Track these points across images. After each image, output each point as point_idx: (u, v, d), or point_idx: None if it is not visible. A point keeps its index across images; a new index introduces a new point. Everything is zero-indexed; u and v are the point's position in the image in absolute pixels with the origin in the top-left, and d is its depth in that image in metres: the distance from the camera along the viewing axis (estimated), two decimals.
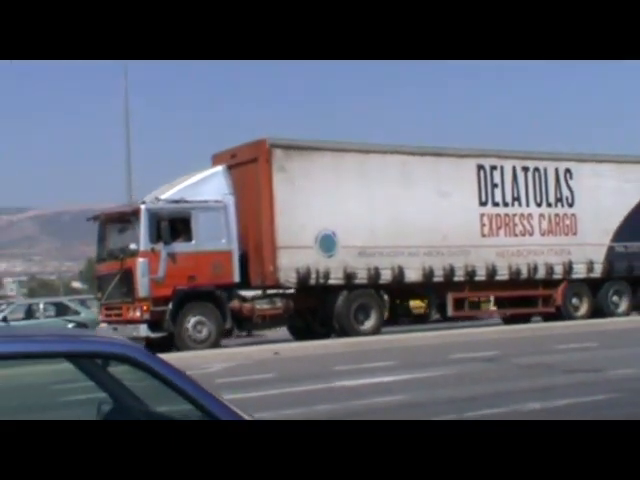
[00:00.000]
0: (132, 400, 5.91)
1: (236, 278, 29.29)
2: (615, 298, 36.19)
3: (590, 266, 35.55)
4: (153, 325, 28.19)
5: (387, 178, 32.11)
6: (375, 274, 31.58)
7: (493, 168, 34.02)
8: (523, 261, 34.33)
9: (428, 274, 32.42)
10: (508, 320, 35.92)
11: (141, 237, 28.11)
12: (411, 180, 32.31)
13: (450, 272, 32.78)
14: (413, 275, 32.28)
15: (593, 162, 36.08)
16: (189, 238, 28.89)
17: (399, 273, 31.98)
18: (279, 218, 29.91)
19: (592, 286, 35.80)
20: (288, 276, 29.99)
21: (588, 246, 35.56)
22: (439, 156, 33.21)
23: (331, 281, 30.79)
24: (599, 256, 35.88)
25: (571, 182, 35.65)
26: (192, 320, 28.35)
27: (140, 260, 27.84)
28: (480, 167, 33.76)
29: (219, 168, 30.12)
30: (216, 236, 29.21)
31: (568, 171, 35.61)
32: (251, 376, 20.81)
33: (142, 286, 27.67)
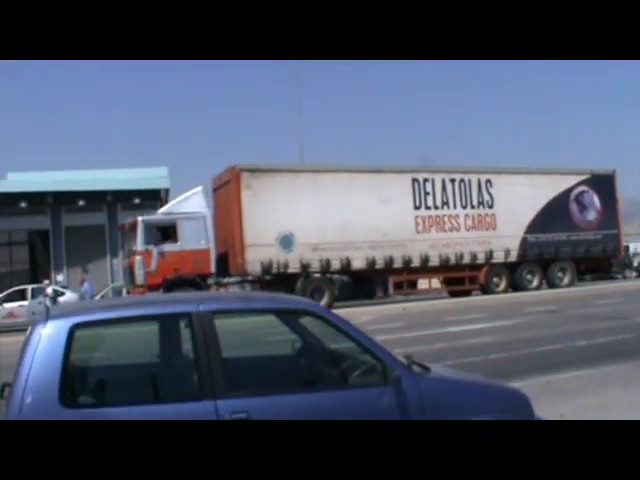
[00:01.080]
0: (315, 340, 7.88)
1: (212, 269, 38.99)
2: (529, 276, 45.49)
3: (507, 253, 44.82)
4: None
5: (336, 190, 41.53)
6: (326, 264, 41.07)
7: (425, 180, 43.32)
8: (451, 251, 43.62)
9: (371, 263, 41.73)
10: (453, 294, 45.21)
11: (138, 241, 38.03)
12: (356, 191, 41.63)
13: (390, 261, 42.05)
14: (359, 264, 41.63)
15: (508, 174, 45.51)
16: (176, 240, 38.88)
17: (346, 263, 41.34)
18: (246, 223, 39.63)
19: (510, 268, 45.03)
20: (254, 267, 39.69)
21: (505, 238, 44.90)
22: (380, 172, 42.60)
23: (290, 270, 40.35)
24: (515, 245, 45.21)
25: (491, 189, 44.97)
26: None
27: (137, 257, 37.60)
28: (414, 180, 43.09)
29: (199, 188, 40.24)
30: (197, 239, 39.20)
31: (488, 181, 44.93)
32: (387, 324, 28.57)
33: (139, 276, 37.31)
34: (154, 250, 37.22)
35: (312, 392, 6.90)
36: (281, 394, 6.72)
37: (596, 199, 47.63)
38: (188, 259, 38.76)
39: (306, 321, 7.66)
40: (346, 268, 41.27)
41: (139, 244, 37.36)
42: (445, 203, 43.79)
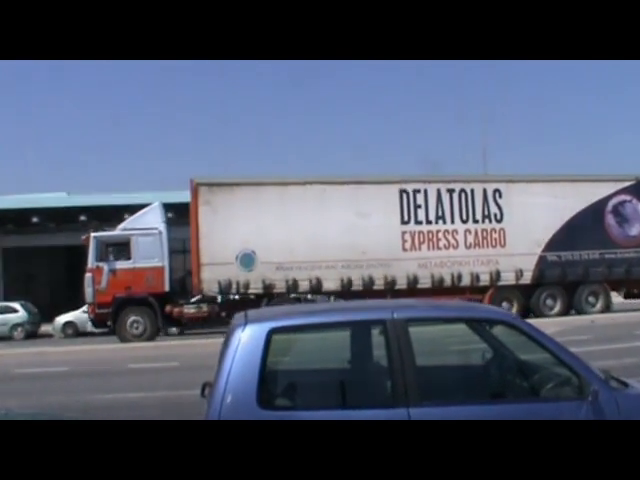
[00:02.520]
0: (506, 350, 7.83)
1: (167, 288, 37.07)
2: (549, 301, 40.14)
3: (519, 274, 39.73)
4: (100, 323, 37.03)
5: (305, 204, 38.33)
6: (293, 284, 38.01)
7: (416, 191, 39.16)
8: (447, 271, 39.12)
9: (346, 284, 38.25)
10: None
11: (89, 257, 36.65)
12: (330, 205, 38.24)
13: (369, 282, 38.41)
14: (332, 285, 38.23)
15: (523, 182, 40.21)
16: (128, 257, 37.11)
17: (316, 283, 38.10)
18: (203, 241, 37.30)
19: (524, 291, 39.97)
20: (211, 286, 37.32)
21: (517, 256, 39.72)
22: (360, 184, 38.91)
23: (251, 290, 37.68)
24: (529, 265, 39.95)
25: (500, 200, 39.95)
26: (129, 319, 36.59)
27: (87, 275, 36.49)
28: (403, 191, 39.06)
29: (156, 203, 38.07)
30: (150, 255, 37.28)
31: (497, 191, 39.94)
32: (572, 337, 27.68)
33: (88, 294, 36.34)
34: (105, 267, 35.86)
35: (502, 403, 6.89)
36: (471, 404, 6.78)
37: None
38: (140, 277, 37.13)
39: (497, 330, 7.67)
40: (316, 289, 38.04)
41: (90, 261, 36.59)
42: (440, 217, 39.38)
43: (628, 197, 41.44)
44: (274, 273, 37.73)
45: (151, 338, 36.49)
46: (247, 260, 37.45)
